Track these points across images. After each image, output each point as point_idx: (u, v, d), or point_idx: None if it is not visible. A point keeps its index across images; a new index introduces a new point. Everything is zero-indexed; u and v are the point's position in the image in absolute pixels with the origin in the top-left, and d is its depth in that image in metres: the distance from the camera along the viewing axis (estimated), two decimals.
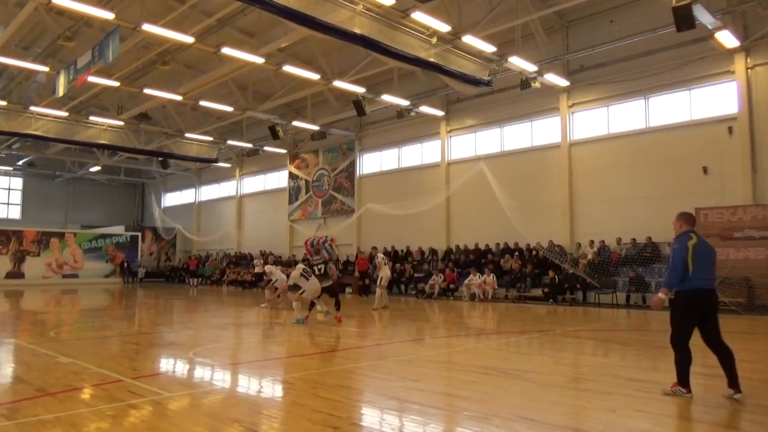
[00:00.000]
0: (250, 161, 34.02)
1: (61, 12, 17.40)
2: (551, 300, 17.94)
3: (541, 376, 7.01)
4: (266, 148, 29.77)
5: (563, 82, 19.52)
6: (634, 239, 18.09)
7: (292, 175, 31.47)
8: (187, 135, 28.16)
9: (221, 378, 6.90)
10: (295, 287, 12.17)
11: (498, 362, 7.99)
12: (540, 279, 19.24)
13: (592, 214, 19.59)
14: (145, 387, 6.10)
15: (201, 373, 7.22)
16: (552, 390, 6.17)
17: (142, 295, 24.18)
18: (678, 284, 5.55)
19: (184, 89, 21.86)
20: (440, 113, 23.62)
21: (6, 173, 38.91)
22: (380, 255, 16.84)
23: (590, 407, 5.42)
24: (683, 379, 5.52)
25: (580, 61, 19.66)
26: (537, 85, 18.75)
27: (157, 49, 19.46)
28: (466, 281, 20.00)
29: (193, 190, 39.84)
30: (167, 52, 19.60)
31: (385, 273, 16.15)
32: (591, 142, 19.94)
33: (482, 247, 22.00)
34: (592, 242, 18.92)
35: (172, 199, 42.60)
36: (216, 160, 32.06)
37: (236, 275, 30.64)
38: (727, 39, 15.69)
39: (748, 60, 16.60)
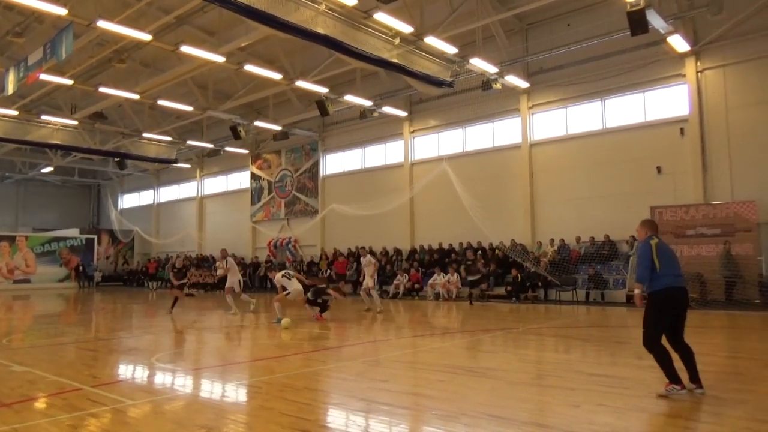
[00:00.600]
0: (211, 162, 33.42)
1: (10, 6, 16.74)
2: (514, 298, 18.25)
3: (506, 373, 7.12)
4: (227, 149, 29.27)
5: (523, 84, 19.90)
6: (593, 237, 18.57)
7: (254, 176, 31.07)
8: (145, 135, 27.46)
9: (185, 383, 6.75)
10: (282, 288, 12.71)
11: (464, 361, 8.08)
12: (503, 278, 19.54)
13: (552, 213, 20.02)
14: (105, 395, 5.92)
15: (164, 379, 7.06)
16: (517, 387, 6.28)
17: (98, 300, 23.45)
18: (648, 279, 5.67)
19: (142, 88, 21.32)
20: (403, 114, 23.73)
21: None
22: (368, 257, 16.04)
23: (555, 403, 5.54)
24: (673, 377, 5.49)
25: (539, 63, 20.06)
26: (498, 86, 19.02)
27: (112, 46, 18.90)
28: (430, 281, 20.15)
29: (152, 191, 38.90)
30: (123, 49, 19.06)
31: (369, 274, 15.43)
32: (551, 143, 20.38)
33: (446, 246, 22.20)
34: (552, 241, 19.35)
35: (129, 200, 41.49)
36: (175, 161, 31.33)
37: (198, 278, 30.03)
38: (678, 43, 16.29)
39: (698, 64, 17.27)
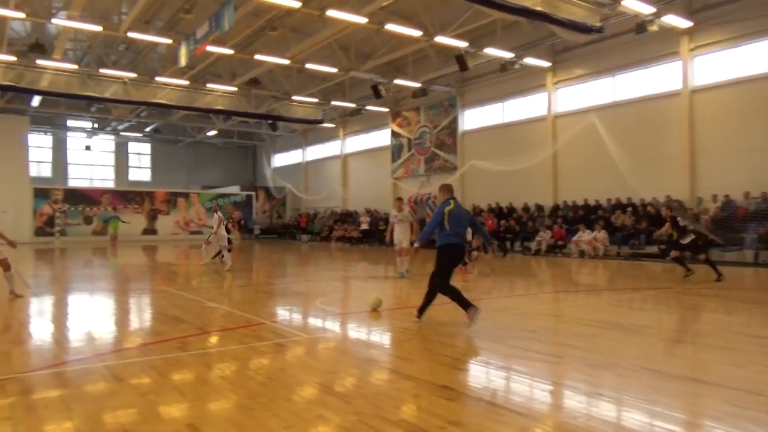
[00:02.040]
0: (353, 121, 34.81)
1: None
2: (668, 257, 17.14)
3: (660, 331, 6.98)
4: (368, 108, 30.31)
5: (684, 23, 18.02)
6: (765, 193, 16.70)
7: (394, 134, 31.88)
8: (294, 97, 29.30)
9: (350, 324, 7.50)
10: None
11: (614, 317, 7.99)
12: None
13: (715, 165, 18.24)
14: (285, 329, 6.85)
15: (331, 319, 7.89)
16: (673, 345, 6.17)
17: (259, 251, 26.04)
18: (427, 239, 7.27)
19: (291, 53, 22.65)
20: (546, 64, 22.73)
21: (137, 139, 42.79)
22: None
23: (715, 361, 5.39)
24: (466, 304, 6.86)
25: None
26: (654, 28, 17.47)
27: (266, 15, 20.26)
28: (574, 238, 19.59)
29: (300, 150, 41.54)
30: (275, 18, 20.38)
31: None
32: (716, 88, 18.38)
33: (591, 202, 21.31)
34: (715, 196, 17.72)
35: (280, 159, 44.74)
36: (321, 121, 33.14)
37: (343, 232, 31.99)
38: None
39: None
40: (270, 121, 33.16)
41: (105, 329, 7.19)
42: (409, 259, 12.87)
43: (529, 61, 21.93)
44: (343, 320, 7.72)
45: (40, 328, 7.28)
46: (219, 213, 15.66)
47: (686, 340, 6.59)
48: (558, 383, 4.70)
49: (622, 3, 16.41)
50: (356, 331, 7.02)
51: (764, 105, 17.13)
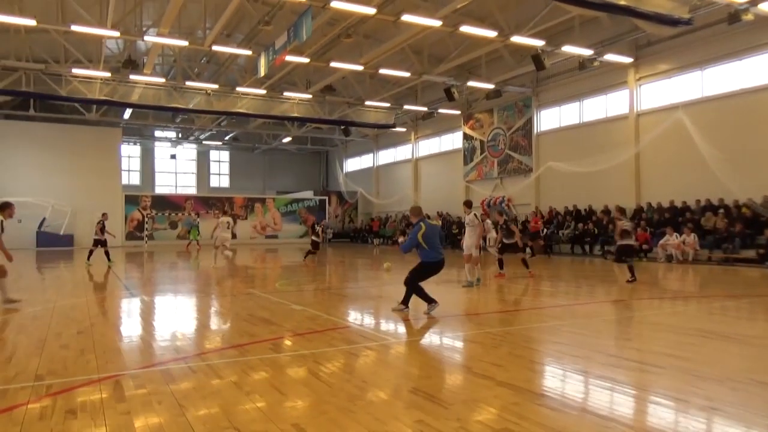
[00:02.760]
0: (425, 124, 34.78)
1: None
2: None
3: None
4: (440, 111, 30.19)
5: None
6: None
7: (466, 136, 31.58)
8: (367, 103, 29.66)
9: (434, 328, 7.44)
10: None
11: (715, 326, 7.52)
12: (752, 239, 17.18)
13: None
14: (371, 332, 6.92)
15: (414, 323, 7.87)
16: None
17: (333, 255, 26.48)
18: (407, 252, 8.37)
19: (365, 59, 22.94)
20: (628, 60, 21.77)
21: (217, 148, 44.77)
22: (488, 220, 15.23)
23: None
24: (428, 299, 8.00)
25: None
26: (749, 17, 16.34)
27: (341, 23, 20.63)
28: (661, 241, 18.62)
29: (372, 155, 41.95)
30: (350, 25, 20.70)
31: (491, 235, 15.05)
32: None
33: (678, 204, 20.19)
34: None
35: (352, 164, 45.40)
36: (393, 126, 33.32)
37: None
38: None
39: None
40: (343, 127, 33.74)
41: (201, 329, 7.54)
42: (478, 267, 12.17)
43: (610, 57, 21.11)
44: (426, 325, 7.69)
45: (142, 327, 7.73)
46: (224, 217, 19.21)
47: None
48: (666, 395, 4.45)
49: None
50: (442, 336, 6.97)
51: None
